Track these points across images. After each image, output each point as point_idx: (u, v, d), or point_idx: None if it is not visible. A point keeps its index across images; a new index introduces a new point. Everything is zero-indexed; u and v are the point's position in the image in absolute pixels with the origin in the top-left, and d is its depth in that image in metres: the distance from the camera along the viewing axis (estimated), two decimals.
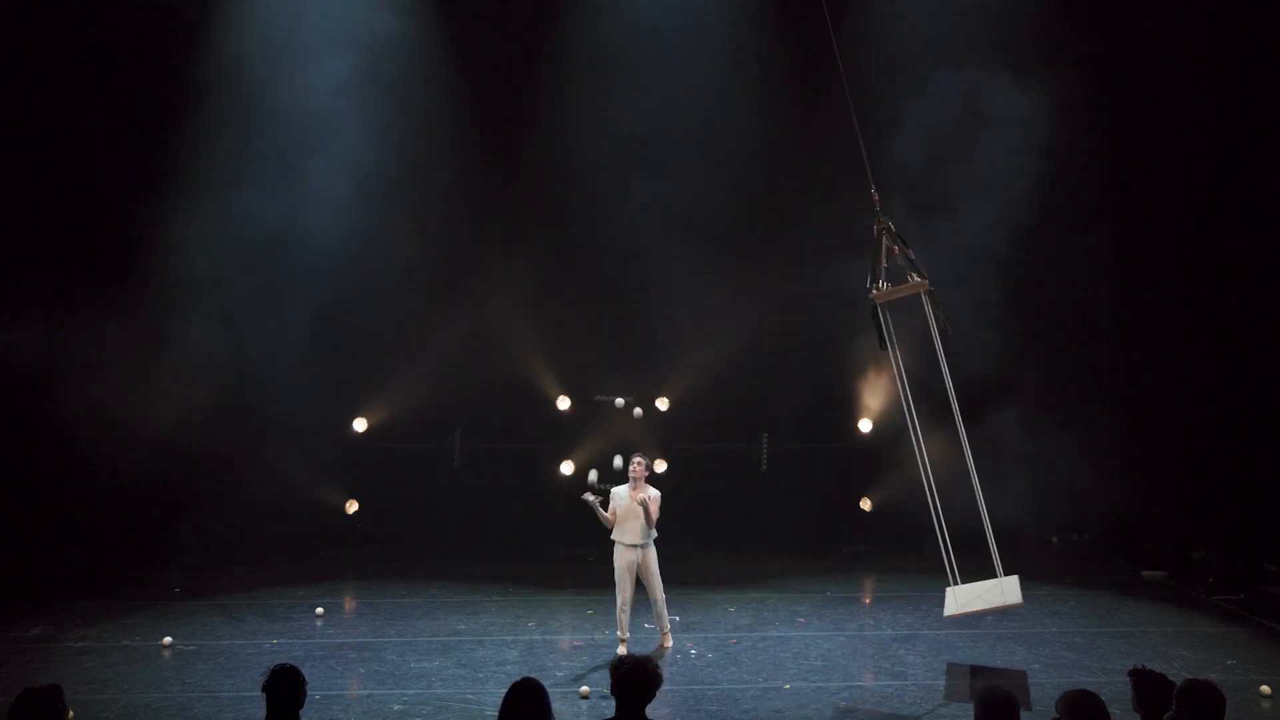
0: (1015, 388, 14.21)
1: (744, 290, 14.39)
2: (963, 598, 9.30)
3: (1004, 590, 9.22)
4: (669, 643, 9.86)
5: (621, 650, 9.53)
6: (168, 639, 9.87)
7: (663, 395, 14.99)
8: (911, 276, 9.69)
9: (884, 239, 9.70)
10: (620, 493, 9.72)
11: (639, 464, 9.74)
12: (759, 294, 14.36)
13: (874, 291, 9.73)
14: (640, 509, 9.59)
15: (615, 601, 9.74)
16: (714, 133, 14.10)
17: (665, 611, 9.86)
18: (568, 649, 10.02)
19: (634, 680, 4.67)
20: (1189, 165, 14.16)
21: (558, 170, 14.26)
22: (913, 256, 9.73)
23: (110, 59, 13.41)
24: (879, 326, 9.84)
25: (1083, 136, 14.14)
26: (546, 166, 14.31)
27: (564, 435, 15.03)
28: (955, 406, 9.61)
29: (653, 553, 9.72)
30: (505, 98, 14.45)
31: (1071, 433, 13.99)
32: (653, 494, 9.73)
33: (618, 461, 9.99)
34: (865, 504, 15.08)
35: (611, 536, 9.76)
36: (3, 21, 13.07)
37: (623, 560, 9.66)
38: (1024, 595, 9.25)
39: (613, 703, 4.75)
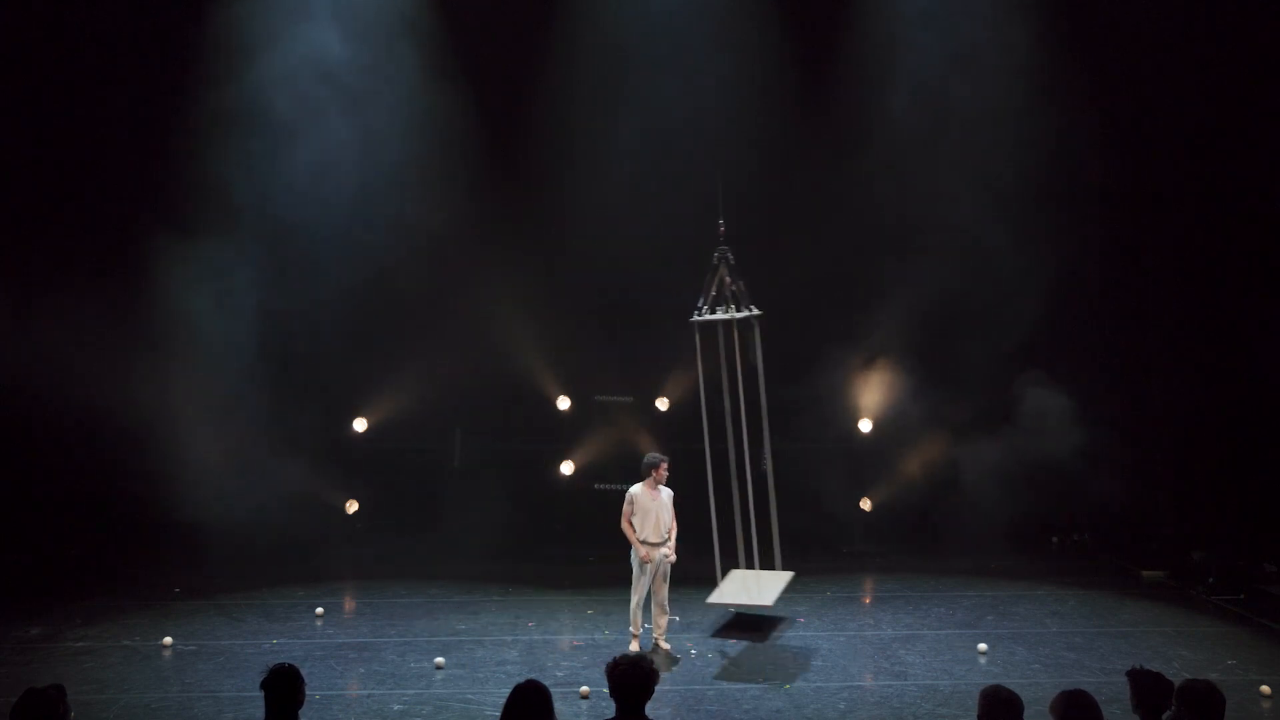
0: (1015, 389, 14.25)
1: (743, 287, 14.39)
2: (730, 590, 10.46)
3: (761, 589, 10.32)
4: (665, 645, 9.83)
5: (634, 647, 9.54)
6: (168, 639, 9.87)
7: (663, 395, 15.01)
8: (747, 308, 10.82)
9: (721, 268, 10.79)
10: (637, 491, 9.72)
11: (663, 468, 9.78)
12: (757, 293, 14.36)
13: (696, 316, 10.91)
14: (659, 507, 9.68)
15: (630, 599, 9.75)
16: (713, 131, 14.09)
17: (666, 612, 9.85)
18: (568, 649, 10.02)
19: (631, 679, 4.66)
20: (1191, 162, 14.19)
21: (558, 169, 14.26)
22: (743, 288, 10.83)
23: (106, 56, 13.45)
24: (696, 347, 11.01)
25: (1083, 132, 14.18)
26: (547, 163, 14.31)
27: (564, 435, 15.05)
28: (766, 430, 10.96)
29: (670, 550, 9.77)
30: (506, 97, 14.45)
31: (1071, 432, 14.01)
32: (667, 493, 9.81)
33: None
34: (865, 504, 15.09)
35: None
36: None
37: (645, 557, 9.64)
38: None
39: (613, 703, 4.74)
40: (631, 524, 9.69)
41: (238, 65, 13.40)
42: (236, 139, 13.47)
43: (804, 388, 14.54)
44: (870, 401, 14.95)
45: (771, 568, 10.85)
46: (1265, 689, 8.51)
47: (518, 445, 15.26)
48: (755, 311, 10.83)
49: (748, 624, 10.80)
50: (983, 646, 9.77)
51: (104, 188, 13.66)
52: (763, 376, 10.88)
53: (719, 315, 10.84)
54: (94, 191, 13.70)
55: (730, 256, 10.80)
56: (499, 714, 4.70)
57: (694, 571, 10.68)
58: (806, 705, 8.38)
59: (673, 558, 9.78)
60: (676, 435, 14.75)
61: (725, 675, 9.15)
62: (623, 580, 10.01)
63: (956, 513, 14.31)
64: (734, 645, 10.07)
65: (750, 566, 10.94)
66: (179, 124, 13.46)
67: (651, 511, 9.64)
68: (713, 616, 11.10)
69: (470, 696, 8.51)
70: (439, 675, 9.02)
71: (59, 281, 13.02)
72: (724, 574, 10.79)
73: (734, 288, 10.78)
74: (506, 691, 4.70)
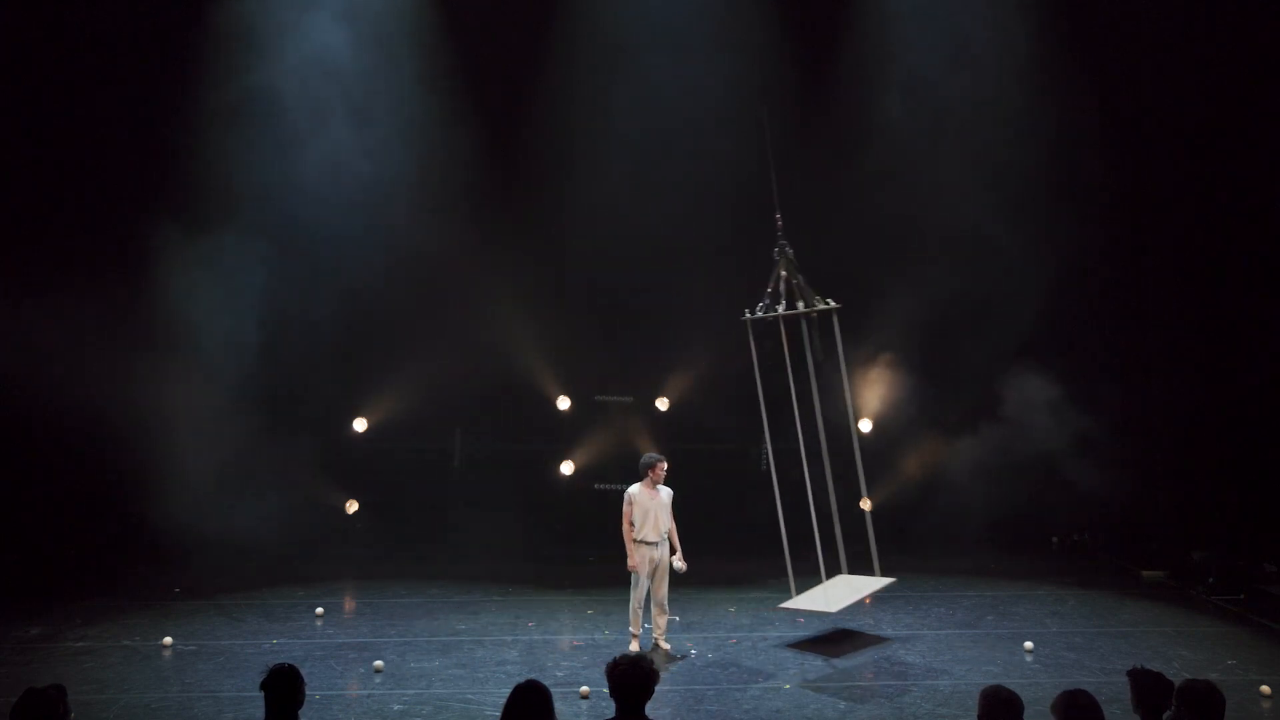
0: (1015, 389, 14.25)
1: (743, 288, 14.38)
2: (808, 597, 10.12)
3: (833, 596, 10.01)
4: (665, 645, 9.83)
5: (633, 647, 9.54)
6: (168, 639, 9.87)
7: (663, 395, 15.02)
8: (822, 301, 10.38)
9: (780, 265, 10.37)
10: (635, 491, 9.73)
11: (662, 468, 9.77)
12: (758, 291, 14.34)
13: (755, 314, 10.44)
14: (657, 507, 9.66)
15: (630, 599, 9.74)
16: (712, 129, 14.09)
17: (666, 612, 9.85)
18: (568, 649, 10.02)
19: (631, 679, 4.66)
20: (1191, 162, 14.19)
21: (558, 168, 14.27)
22: (803, 283, 10.38)
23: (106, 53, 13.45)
24: (756, 345, 10.56)
25: (1083, 132, 14.21)
26: (547, 163, 14.32)
27: (564, 435, 15.04)
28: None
29: (667, 550, 9.76)
30: (506, 95, 14.46)
31: (1062, 420, 14.01)
32: (666, 493, 9.79)
33: None
34: (865, 504, 15.06)
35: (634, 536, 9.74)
36: None
37: (642, 557, 9.64)
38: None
39: (613, 703, 4.74)
40: (631, 524, 9.69)
41: (240, 60, 13.41)
42: (236, 136, 13.47)
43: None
44: (870, 401, 14.94)
45: (869, 573, 10.54)
46: (1265, 689, 8.51)
47: (518, 445, 15.27)
48: (832, 304, 10.38)
49: (747, 624, 10.81)
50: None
51: (104, 185, 13.65)
52: (845, 370, 10.55)
53: (799, 309, 10.31)
54: (95, 189, 13.68)
55: (789, 250, 10.36)
56: (499, 714, 4.71)
57: (695, 571, 10.65)
58: (806, 705, 8.38)
59: (682, 566, 9.79)
60: (676, 435, 14.80)
61: (725, 675, 9.15)
62: (623, 580, 10.01)
63: (955, 512, 14.30)
64: (734, 645, 10.07)
65: (830, 570, 10.55)
66: (180, 121, 13.47)
67: (651, 511, 9.65)
68: (714, 615, 11.11)
69: (470, 696, 8.51)
70: (378, 679, 8.91)
71: (59, 281, 13.00)
72: (798, 581, 10.37)
73: (795, 281, 10.33)
74: (506, 691, 4.71)
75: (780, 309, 10.38)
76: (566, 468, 14.94)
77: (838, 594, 10.14)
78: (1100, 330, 14.86)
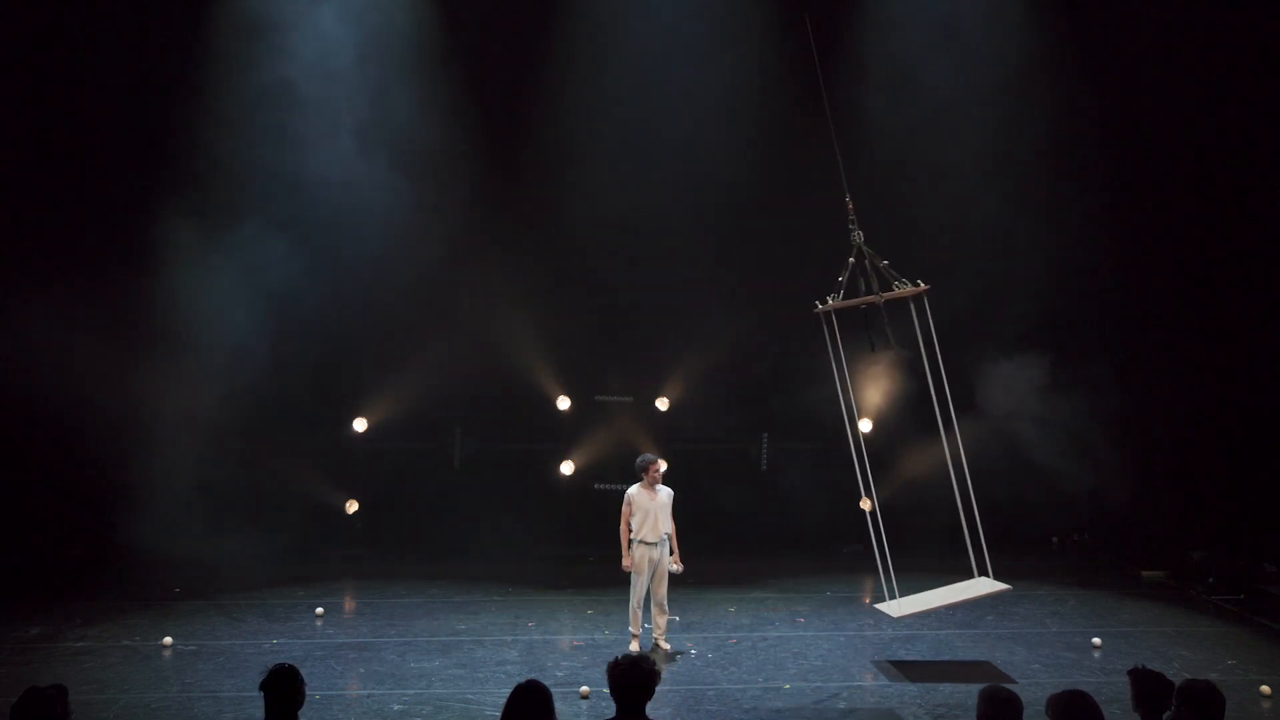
0: (1014, 388, 14.24)
1: (744, 288, 14.38)
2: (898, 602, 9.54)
3: (896, 604, 9.41)
4: (665, 645, 9.83)
5: (634, 647, 9.55)
6: (168, 639, 9.88)
7: (663, 395, 15.01)
8: (912, 283, 9.77)
9: (854, 251, 9.86)
10: (634, 493, 9.74)
11: (657, 468, 9.79)
12: (759, 292, 14.34)
13: (818, 306, 9.80)
14: (657, 508, 9.67)
15: (629, 599, 9.77)
16: (715, 128, 14.08)
17: (665, 612, 9.86)
18: (568, 649, 10.02)
19: (631, 679, 4.66)
20: (1191, 163, 14.19)
21: (558, 167, 14.26)
22: (884, 265, 9.80)
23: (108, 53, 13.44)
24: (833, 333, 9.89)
25: (1083, 132, 14.21)
26: (547, 163, 14.31)
27: (564, 435, 15.04)
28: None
29: (666, 550, 9.78)
30: (505, 95, 14.44)
31: (1071, 432, 14.00)
32: (666, 493, 9.80)
33: None
34: (865, 504, 15.04)
35: (631, 536, 9.76)
36: None
37: (641, 558, 9.67)
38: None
39: (613, 703, 4.74)
40: (629, 525, 9.70)
41: (243, 56, 13.39)
42: (237, 132, 13.46)
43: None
44: (870, 400, 14.93)
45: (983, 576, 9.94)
46: (1265, 689, 8.52)
47: (518, 445, 15.26)
48: (923, 286, 9.77)
49: (747, 624, 10.81)
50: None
51: (105, 180, 13.63)
52: (940, 353, 9.90)
53: (894, 292, 9.70)
54: (96, 184, 13.67)
55: (860, 235, 9.84)
56: (499, 714, 4.71)
57: (695, 571, 10.67)
58: (806, 705, 8.39)
59: (679, 568, 9.80)
60: (676, 435, 14.80)
61: (725, 675, 9.15)
62: (623, 580, 10.02)
63: (954, 511, 14.27)
64: (734, 645, 10.08)
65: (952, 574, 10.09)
66: (182, 116, 13.45)
67: (650, 512, 9.66)
68: (714, 615, 11.10)
69: (470, 696, 8.52)
70: (319, 624, 8.78)
71: (60, 279, 12.98)
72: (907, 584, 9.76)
73: (877, 266, 9.77)
74: (506, 691, 4.71)
75: (834, 299, 9.79)
76: (566, 468, 14.93)
77: (913, 602, 9.60)
78: (1100, 330, 14.85)
